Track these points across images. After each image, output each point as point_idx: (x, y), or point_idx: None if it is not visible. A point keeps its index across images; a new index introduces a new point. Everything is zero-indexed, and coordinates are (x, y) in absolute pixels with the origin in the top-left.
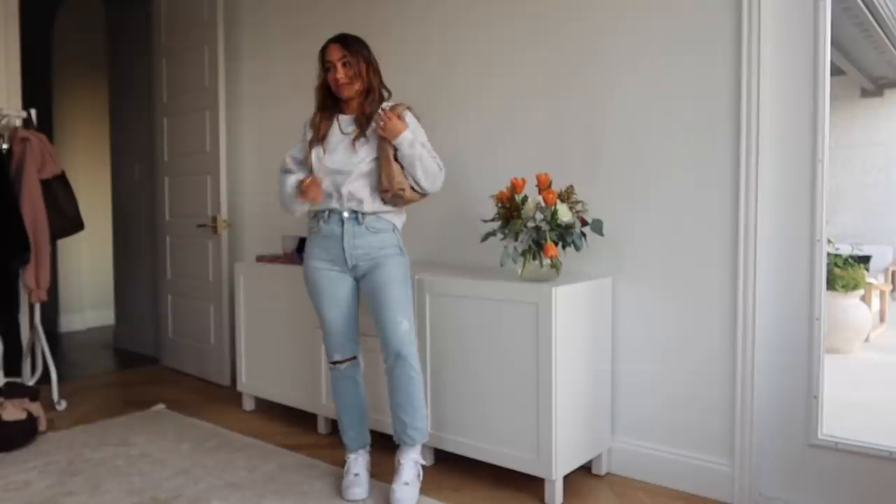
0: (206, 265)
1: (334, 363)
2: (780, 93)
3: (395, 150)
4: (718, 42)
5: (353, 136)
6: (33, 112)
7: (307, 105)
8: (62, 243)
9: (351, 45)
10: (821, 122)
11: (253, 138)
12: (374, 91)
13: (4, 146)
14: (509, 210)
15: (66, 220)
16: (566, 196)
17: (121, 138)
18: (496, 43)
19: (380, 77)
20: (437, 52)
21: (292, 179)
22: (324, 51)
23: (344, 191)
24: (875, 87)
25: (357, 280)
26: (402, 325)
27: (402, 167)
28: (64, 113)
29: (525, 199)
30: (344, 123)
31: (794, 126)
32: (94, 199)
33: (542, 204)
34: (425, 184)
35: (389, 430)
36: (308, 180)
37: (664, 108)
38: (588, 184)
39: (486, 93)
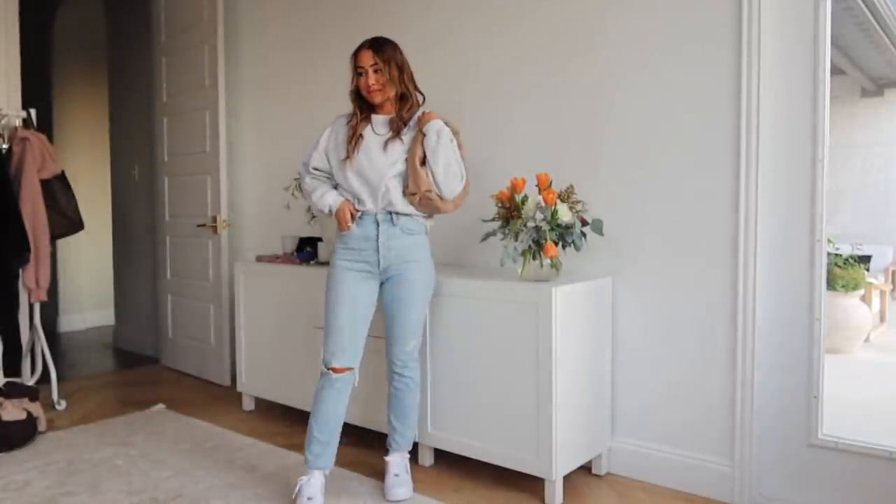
0: (206, 265)
1: (329, 370)
2: (780, 93)
3: (423, 153)
4: (718, 42)
5: (386, 138)
6: (33, 112)
7: (308, 106)
8: (62, 243)
9: (383, 50)
10: (821, 122)
11: (253, 138)
12: (409, 96)
13: (4, 146)
14: (509, 210)
15: (66, 220)
16: (566, 196)
17: (121, 138)
18: (495, 44)
19: (413, 81)
20: (436, 52)
21: (330, 198)
22: (356, 55)
23: (378, 192)
24: (875, 87)
25: (381, 282)
26: (411, 344)
27: (428, 173)
28: (64, 113)
29: (525, 199)
30: (377, 124)
31: (794, 126)
32: (94, 199)
33: (542, 204)
34: (442, 179)
35: (386, 430)
36: (349, 212)
37: (664, 107)
38: (588, 184)
39: (486, 93)
